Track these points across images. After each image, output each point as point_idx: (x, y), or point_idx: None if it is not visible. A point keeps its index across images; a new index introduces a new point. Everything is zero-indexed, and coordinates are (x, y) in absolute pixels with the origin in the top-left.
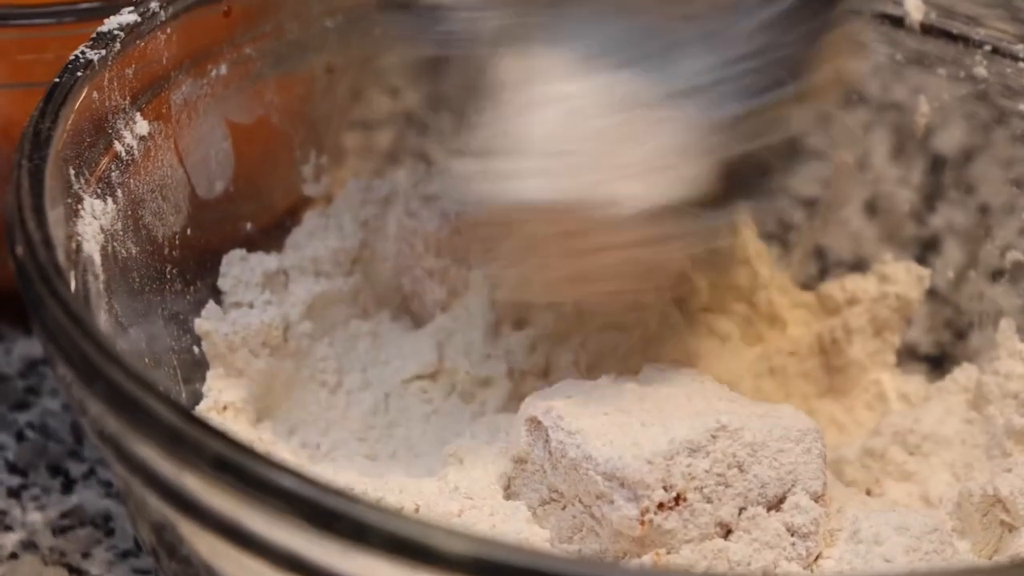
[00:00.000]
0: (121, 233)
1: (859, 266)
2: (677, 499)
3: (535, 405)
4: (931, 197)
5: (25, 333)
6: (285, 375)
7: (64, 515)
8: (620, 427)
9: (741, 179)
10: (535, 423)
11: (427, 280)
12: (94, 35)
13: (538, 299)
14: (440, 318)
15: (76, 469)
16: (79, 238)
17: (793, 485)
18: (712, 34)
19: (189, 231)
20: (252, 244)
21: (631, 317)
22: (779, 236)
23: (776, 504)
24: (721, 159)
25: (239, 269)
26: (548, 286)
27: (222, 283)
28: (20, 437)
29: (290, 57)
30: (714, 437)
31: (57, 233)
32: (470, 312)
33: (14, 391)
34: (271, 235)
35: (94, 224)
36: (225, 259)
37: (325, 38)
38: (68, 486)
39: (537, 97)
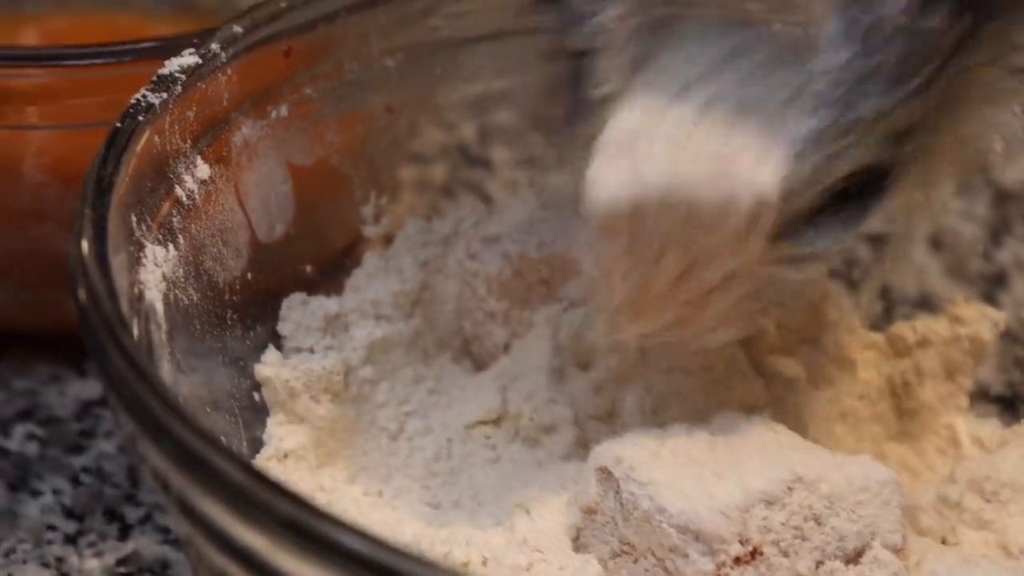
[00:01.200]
0: (182, 280)
1: (928, 305)
2: (753, 553)
3: (605, 455)
4: (997, 232)
5: (79, 374)
6: (346, 421)
7: (121, 562)
8: (693, 478)
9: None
10: (605, 473)
11: (489, 323)
12: (155, 78)
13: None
14: (502, 361)
15: (133, 514)
16: (141, 286)
17: (872, 538)
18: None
19: (249, 275)
20: (311, 287)
21: (697, 360)
22: (846, 275)
23: (855, 558)
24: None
25: (299, 313)
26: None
27: (282, 327)
28: (76, 481)
29: (350, 97)
30: (790, 489)
31: (120, 282)
32: (533, 355)
33: (69, 434)
34: (330, 277)
35: (156, 272)
36: (285, 303)
37: (385, 77)
38: (125, 532)
39: (659, 95)
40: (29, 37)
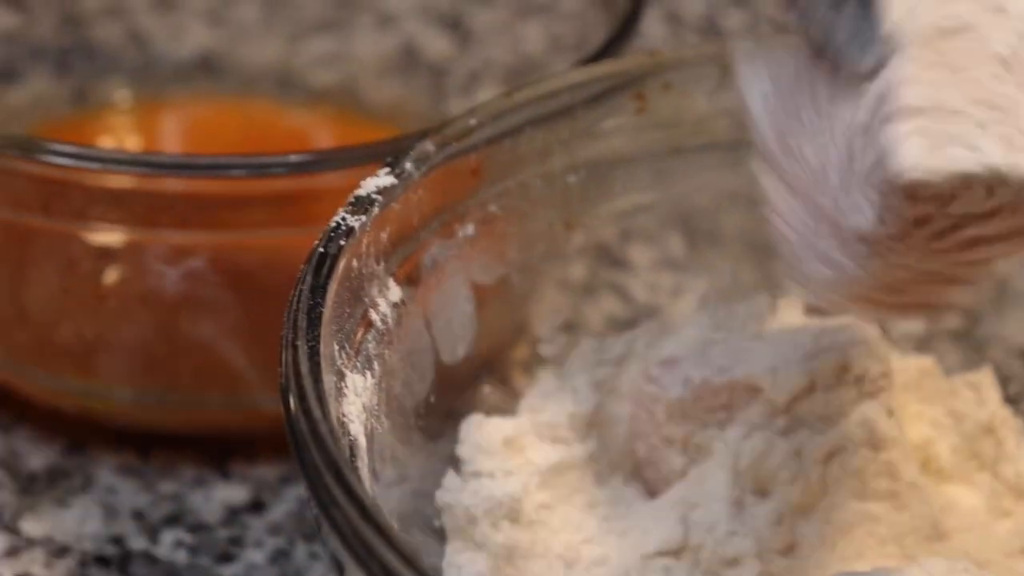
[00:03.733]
0: (376, 408)
1: None
2: None
3: None
4: None
5: (223, 477)
6: (523, 548)
7: None
8: None
9: None
10: None
11: (666, 448)
12: (352, 199)
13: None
14: (679, 488)
15: None
16: (344, 418)
17: None
18: None
19: (432, 398)
20: (488, 408)
21: (880, 486)
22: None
23: None
24: None
25: (478, 436)
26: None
27: (461, 450)
28: None
29: (533, 214)
30: None
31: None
32: (711, 483)
33: (216, 542)
34: (506, 397)
35: (357, 402)
36: (464, 425)
37: (567, 193)
38: None
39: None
40: (170, 125)
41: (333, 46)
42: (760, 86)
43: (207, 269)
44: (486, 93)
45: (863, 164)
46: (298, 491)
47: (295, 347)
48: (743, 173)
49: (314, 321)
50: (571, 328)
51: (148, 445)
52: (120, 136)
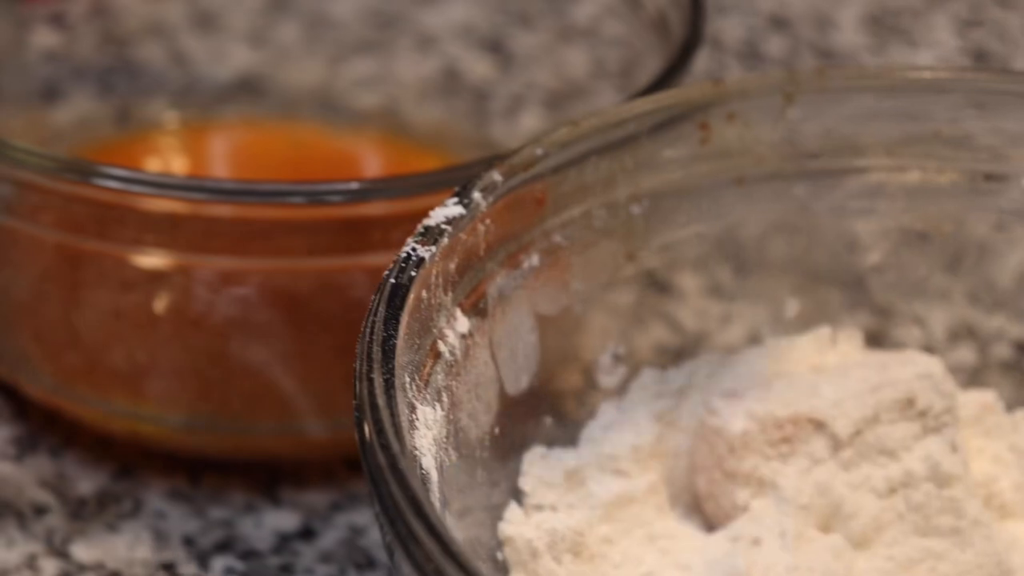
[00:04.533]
0: (444, 440)
1: None
2: None
3: None
4: None
5: (272, 503)
6: None
7: None
8: None
9: None
10: None
11: (727, 482)
12: (422, 229)
13: None
14: (740, 522)
15: None
16: (416, 452)
17: None
18: None
19: (497, 430)
20: (550, 439)
21: (944, 522)
22: None
23: None
24: None
25: (540, 468)
26: None
27: (523, 483)
28: None
29: (597, 244)
30: None
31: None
32: (773, 517)
33: (269, 569)
34: (567, 428)
35: (428, 435)
36: (527, 457)
37: (630, 224)
38: None
39: None
40: (214, 146)
41: (374, 68)
42: None
43: (259, 295)
44: (529, 117)
45: None
46: (349, 518)
47: (370, 380)
48: (798, 203)
49: (388, 353)
50: (627, 358)
51: (198, 470)
52: (165, 157)
